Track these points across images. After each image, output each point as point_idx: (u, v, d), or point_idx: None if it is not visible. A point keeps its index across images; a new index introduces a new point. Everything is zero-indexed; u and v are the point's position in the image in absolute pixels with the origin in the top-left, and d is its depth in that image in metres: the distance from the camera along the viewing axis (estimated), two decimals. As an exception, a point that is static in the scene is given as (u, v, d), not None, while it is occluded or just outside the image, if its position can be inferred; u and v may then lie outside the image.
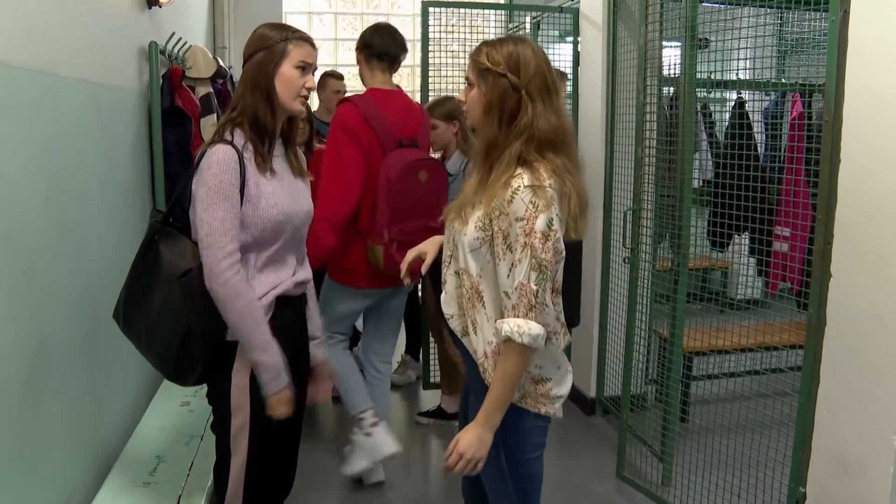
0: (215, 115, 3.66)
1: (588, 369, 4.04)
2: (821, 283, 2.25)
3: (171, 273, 1.92)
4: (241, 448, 1.97)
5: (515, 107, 1.74)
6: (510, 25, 5.02)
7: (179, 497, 2.17)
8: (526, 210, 1.66)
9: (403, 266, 2.04)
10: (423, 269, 2.04)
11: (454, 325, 1.88)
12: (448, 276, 1.88)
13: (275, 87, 1.93)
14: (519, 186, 1.68)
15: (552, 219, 1.67)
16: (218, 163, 1.84)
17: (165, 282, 1.93)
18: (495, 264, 1.74)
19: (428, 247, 2.05)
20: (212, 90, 3.74)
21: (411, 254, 2.05)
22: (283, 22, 1.97)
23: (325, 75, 4.60)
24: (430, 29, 4.07)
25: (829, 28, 2.21)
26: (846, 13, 2.14)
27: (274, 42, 1.94)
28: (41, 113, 2.03)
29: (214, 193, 1.83)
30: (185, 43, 3.62)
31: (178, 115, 3.34)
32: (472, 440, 1.73)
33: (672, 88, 3.45)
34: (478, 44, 1.85)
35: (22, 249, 1.91)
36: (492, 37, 4.64)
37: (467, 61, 1.88)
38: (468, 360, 1.87)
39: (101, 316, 2.24)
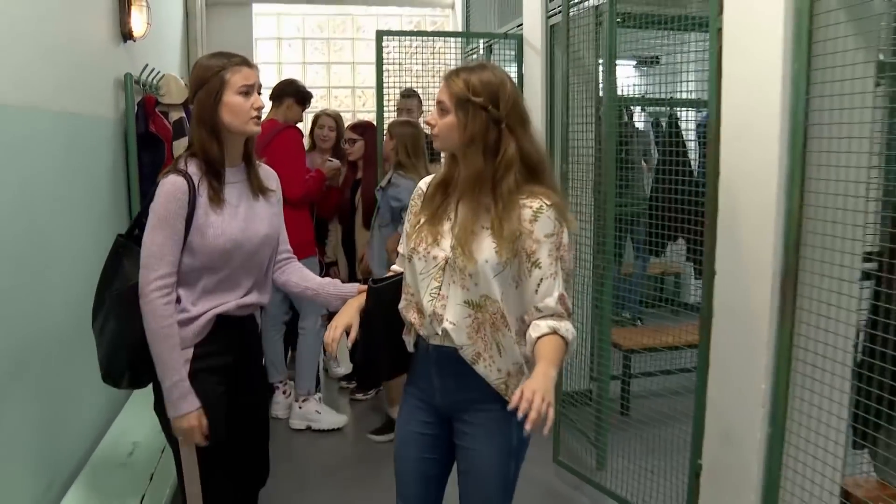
0: (187, 138, 3.97)
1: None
2: (709, 279, 2.59)
3: (120, 284, 2.09)
4: (190, 460, 2.11)
5: (497, 139, 1.80)
6: (468, 48, 5.39)
7: (152, 475, 2.47)
8: (554, 227, 1.77)
9: (334, 345, 1.94)
10: (352, 340, 1.96)
11: (466, 353, 1.86)
12: (450, 309, 1.86)
13: (221, 120, 2.04)
14: (541, 207, 1.77)
15: (573, 235, 1.85)
16: (166, 193, 2.00)
17: (111, 292, 2.10)
18: (518, 284, 1.82)
19: (350, 317, 1.98)
20: (184, 115, 4.04)
21: (337, 330, 1.93)
22: (226, 51, 2.09)
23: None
24: (387, 54, 4.43)
25: (710, 46, 2.55)
26: (719, 30, 2.48)
27: (211, 75, 2.04)
28: (24, 146, 2.31)
29: (158, 220, 1.99)
30: (158, 72, 3.94)
31: (152, 139, 3.64)
32: (545, 381, 1.63)
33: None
34: (449, 68, 1.94)
35: (8, 267, 2.19)
36: (451, 59, 5.06)
37: (438, 83, 1.91)
38: (474, 379, 1.88)
39: (83, 322, 2.53)
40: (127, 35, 3.52)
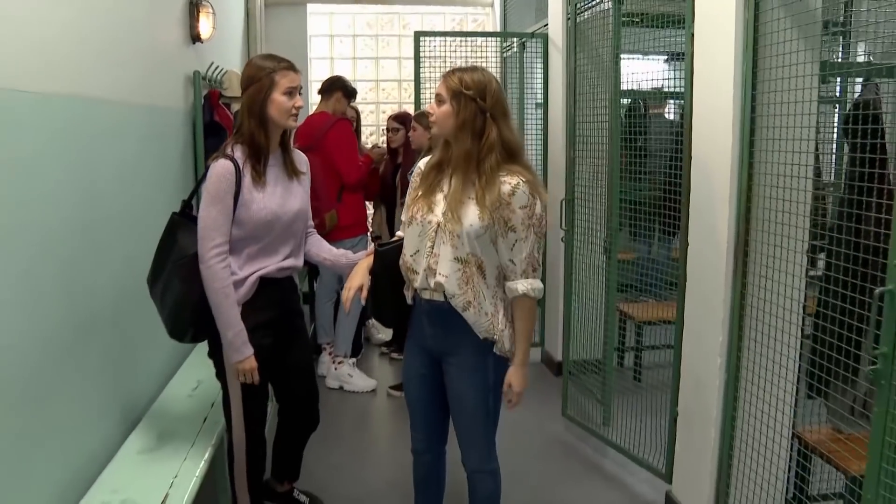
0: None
1: (555, 338, 4.81)
2: (684, 251, 3.00)
3: (179, 255, 2.44)
4: (237, 408, 2.58)
5: (482, 126, 2.20)
6: (505, 45, 5.82)
7: (213, 403, 3.00)
8: (528, 200, 2.17)
9: (349, 303, 2.40)
10: (364, 297, 2.43)
11: (457, 302, 2.26)
12: (442, 264, 2.25)
13: (268, 114, 2.43)
14: (518, 183, 2.17)
15: (544, 205, 2.23)
16: (217, 174, 2.37)
17: (173, 261, 2.46)
18: (495, 245, 2.23)
19: (361, 277, 2.44)
20: (244, 106, 4.58)
21: (351, 291, 2.40)
22: (276, 54, 2.56)
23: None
24: (429, 50, 4.91)
25: (686, 48, 2.95)
26: (692, 35, 2.88)
27: (263, 75, 2.42)
28: (118, 134, 2.84)
29: (211, 198, 2.36)
30: (222, 69, 4.48)
31: (216, 127, 4.18)
32: (521, 379, 2.34)
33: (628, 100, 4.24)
34: (457, 68, 2.27)
35: (102, 232, 2.66)
36: (489, 56, 5.51)
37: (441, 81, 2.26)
38: (457, 328, 2.29)
39: (137, 286, 3.00)
40: (196, 38, 4.05)
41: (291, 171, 2.61)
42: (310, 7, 6.75)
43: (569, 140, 4.05)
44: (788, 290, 2.48)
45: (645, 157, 4.03)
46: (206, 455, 2.58)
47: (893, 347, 1.79)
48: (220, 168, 2.40)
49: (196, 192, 2.65)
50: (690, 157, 2.92)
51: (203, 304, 2.45)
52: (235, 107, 4.49)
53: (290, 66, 2.51)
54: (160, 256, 2.54)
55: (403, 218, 2.40)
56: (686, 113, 2.95)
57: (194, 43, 4.08)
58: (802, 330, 2.58)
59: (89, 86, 2.53)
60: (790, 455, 2.70)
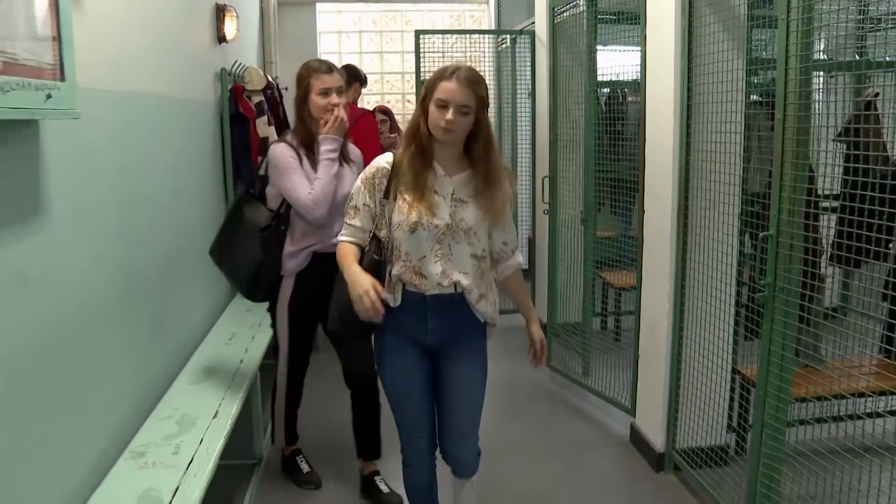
0: (265, 116, 5.06)
1: (543, 302, 5.37)
2: (642, 217, 3.55)
3: (252, 227, 2.83)
4: (284, 356, 3.14)
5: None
6: (498, 40, 6.36)
7: (247, 349, 3.57)
8: (511, 189, 2.38)
9: (377, 304, 2.18)
10: (383, 295, 2.24)
11: (473, 296, 2.35)
12: (460, 263, 2.31)
13: (308, 111, 2.90)
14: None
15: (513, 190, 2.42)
16: (280, 153, 2.86)
17: (247, 233, 2.84)
18: (491, 231, 2.39)
19: (370, 280, 2.21)
20: (263, 98, 5.14)
21: (371, 293, 2.17)
22: (321, 59, 3.05)
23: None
24: (430, 45, 5.46)
25: (641, 48, 3.49)
26: (645, 37, 3.43)
27: (302, 79, 2.91)
28: (158, 122, 3.34)
29: (285, 168, 2.81)
30: (243, 65, 5.04)
31: (240, 117, 4.73)
32: (540, 331, 2.52)
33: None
34: (473, 75, 2.22)
35: (146, 207, 3.21)
36: (484, 50, 6.05)
37: (469, 91, 2.18)
38: (462, 316, 2.38)
39: (189, 253, 3.57)
40: (221, 38, 4.61)
41: (342, 158, 2.98)
42: (318, 6, 7.32)
43: (551, 125, 4.60)
44: (723, 247, 3.00)
45: (623, 141, 4.56)
46: (245, 386, 3.14)
47: (774, 279, 2.35)
48: (281, 148, 2.88)
49: (258, 176, 3.12)
50: (644, 139, 3.46)
51: (275, 269, 2.97)
52: (256, 98, 5.05)
53: (327, 70, 2.93)
54: (228, 229, 2.99)
55: (397, 221, 2.30)
56: (642, 101, 3.50)
57: (220, 43, 4.63)
58: (738, 280, 3.12)
59: (147, 84, 3.08)
60: (732, 388, 3.24)
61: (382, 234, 2.34)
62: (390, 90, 7.75)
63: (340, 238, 2.38)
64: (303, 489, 3.35)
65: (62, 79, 1.92)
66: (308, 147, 2.92)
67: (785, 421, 2.52)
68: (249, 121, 4.80)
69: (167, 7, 3.47)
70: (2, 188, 1.83)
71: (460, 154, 2.33)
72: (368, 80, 5.77)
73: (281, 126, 5.52)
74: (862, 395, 2.53)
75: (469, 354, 2.45)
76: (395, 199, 2.31)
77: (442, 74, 2.23)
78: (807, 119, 2.31)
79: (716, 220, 3.00)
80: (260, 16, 6.57)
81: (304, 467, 3.41)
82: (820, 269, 2.77)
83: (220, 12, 4.56)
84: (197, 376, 3.26)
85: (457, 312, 2.37)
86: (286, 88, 6.17)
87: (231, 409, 2.90)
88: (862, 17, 3.34)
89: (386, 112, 5.75)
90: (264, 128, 5.02)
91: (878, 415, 2.77)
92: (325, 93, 2.87)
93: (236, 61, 4.88)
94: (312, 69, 2.92)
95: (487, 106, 2.27)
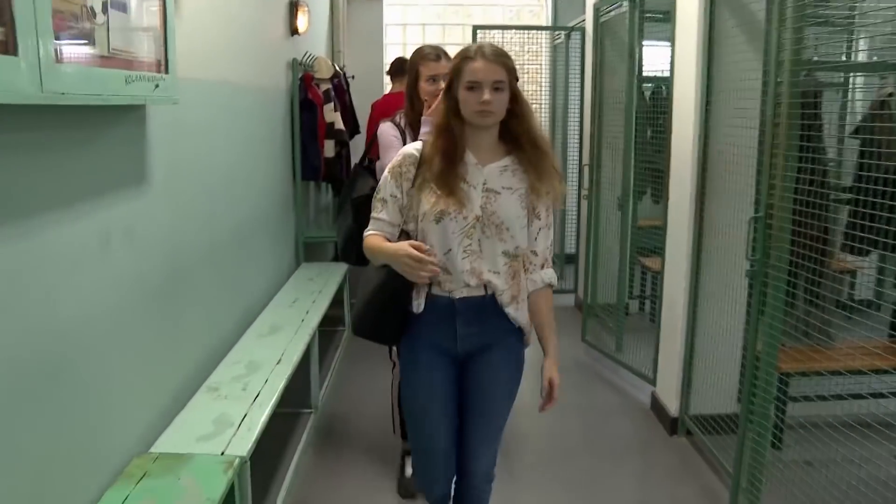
0: (332, 103, 5.53)
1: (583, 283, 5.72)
2: (666, 204, 3.88)
3: (356, 195, 2.88)
4: None
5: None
6: (554, 35, 6.70)
7: (308, 311, 4.03)
8: (560, 188, 2.17)
9: (428, 259, 2.03)
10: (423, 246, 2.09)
11: (504, 298, 2.15)
12: (489, 260, 2.11)
13: (418, 95, 2.88)
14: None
15: (561, 195, 2.21)
16: (384, 131, 2.93)
17: (351, 200, 2.91)
18: (526, 229, 2.16)
19: (406, 243, 2.08)
20: (331, 86, 5.60)
21: (414, 251, 2.03)
22: (435, 46, 3.04)
23: None
24: (490, 38, 5.84)
25: (671, 49, 3.81)
26: (674, 40, 3.74)
27: (413, 67, 2.90)
28: (237, 107, 3.81)
29: (386, 146, 2.88)
30: (313, 55, 5.50)
31: (310, 104, 5.20)
32: (556, 372, 2.19)
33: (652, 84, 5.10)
34: (497, 49, 2.08)
35: (224, 182, 3.70)
36: (542, 45, 6.39)
37: (498, 66, 2.03)
38: (495, 320, 2.18)
39: (259, 225, 4.04)
40: (294, 31, 5.08)
41: None
42: (385, 0, 7.75)
43: (593, 117, 4.95)
44: (736, 231, 3.30)
45: (665, 134, 4.86)
46: (306, 340, 3.60)
47: (762, 256, 2.68)
48: (386, 127, 2.98)
49: (368, 150, 3.39)
50: (671, 131, 3.79)
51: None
52: (324, 86, 5.51)
53: (433, 57, 2.90)
54: (343, 196, 3.07)
55: (424, 211, 2.12)
56: (670, 98, 3.82)
57: (292, 35, 5.10)
58: (752, 263, 3.42)
59: (229, 73, 3.56)
60: (743, 362, 3.56)
61: (410, 227, 2.17)
62: (451, 81, 8.17)
63: (367, 233, 2.21)
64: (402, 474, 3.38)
65: (166, 72, 2.38)
66: (414, 127, 2.93)
67: (772, 391, 2.85)
68: (318, 107, 5.26)
69: (247, 4, 3.94)
70: (118, 160, 2.30)
71: (496, 140, 2.14)
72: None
73: (346, 112, 5.98)
74: (860, 373, 2.84)
75: (503, 363, 2.25)
76: (421, 189, 2.12)
77: (465, 55, 2.07)
78: (797, 115, 2.61)
79: (730, 205, 3.31)
80: (330, 8, 7.04)
81: (408, 471, 3.34)
82: (828, 256, 3.07)
83: (293, 7, 5.03)
84: (263, 331, 3.73)
85: (489, 317, 2.17)
86: (353, 77, 6.63)
87: (293, 357, 3.35)
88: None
89: None
90: (331, 114, 5.48)
91: (881, 395, 3.06)
92: (433, 79, 2.85)
93: (307, 52, 5.34)
94: (422, 55, 2.93)
95: (518, 79, 2.10)
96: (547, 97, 6.85)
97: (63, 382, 1.95)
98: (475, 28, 5.79)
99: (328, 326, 3.75)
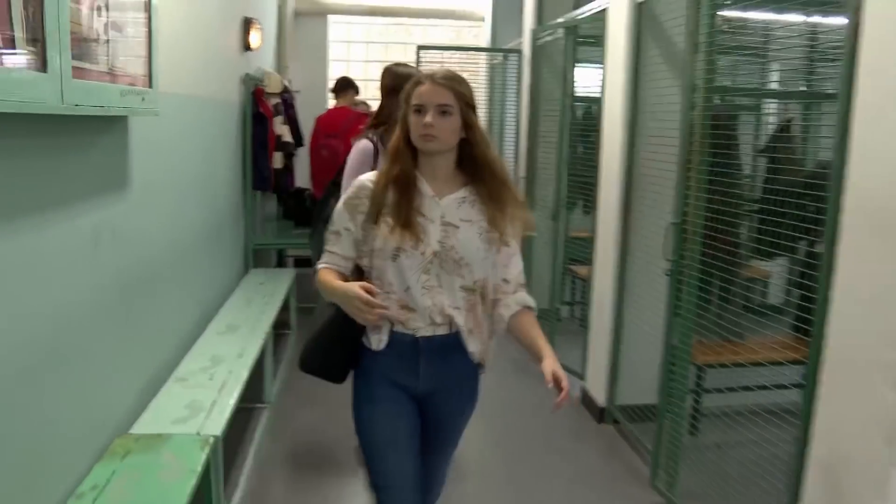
0: (281, 116, 5.79)
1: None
2: (595, 212, 4.26)
3: (327, 214, 2.91)
4: None
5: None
6: (493, 62, 7.09)
7: (253, 330, 4.27)
8: (525, 214, 2.11)
9: (378, 309, 1.94)
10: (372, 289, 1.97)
11: (463, 332, 2.05)
12: (450, 296, 2.01)
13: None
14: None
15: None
16: (356, 151, 2.94)
17: (323, 219, 2.88)
18: (487, 261, 2.06)
19: (357, 285, 1.96)
20: (280, 100, 5.85)
21: (364, 294, 1.91)
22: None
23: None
24: (427, 60, 6.17)
25: (603, 69, 4.21)
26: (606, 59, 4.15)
27: (408, 95, 2.85)
28: (199, 119, 4.06)
29: (349, 169, 2.90)
30: (264, 71, 5.75)
31: (260, 117, 5.44)
32: (559, 366, 1.97)
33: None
34: (450, 73, 2.00)
35: (189, 187, 3.94)
36: (479, 64, 6.76)
37: (445, 89, 1.95)
38: (456, 359, 2.08)
39: (216, 229, 4.29)
40: (247, 47, 5.32)
41: None
42: (330, 17, 8.04)
43: (529, 133, 5.33)
44: (658, 236, 3.67)
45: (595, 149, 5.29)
46: (262, 337, 3.84)
47: (678, 257, 3.06)
48: (361, 145, 2.99)
49: (273, 170, 3.74)
50: (600, 147, 4.18)
51: None
52: (273, 100, 5.75)
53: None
54: (316, 213, 3.18)
55: (379, 247, 2.01)
56: (599, 114, 4.21)
57: (245, 51, 5.34)
58: (671, 271, 3.82)
59: (193, 87, 3.79)
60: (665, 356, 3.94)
61: (365, 262, 2.07)
62: (393, 96, 8.50)
63: (319, 265, 2.12)
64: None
65: (150, 86, 2.63)
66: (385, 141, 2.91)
67: (686, 380, 3.23)
68: (268, 120, 5.51)
69: (209, 22, 4.18)
70: (105, 166, 2.53)
71: (452, 171, 2.06)
72: (371, 87, 6.51)
73: (292, 126, 6.24)
74: (761, 365, 3.23)
75: (460, 401, 2.21)
76: (375, 222, 2.01)
77: (417, 80, 2.02)
78: (709, 135, 3.01)
79: (653, 214, 3.70)
80: (277, 24, 7.28)
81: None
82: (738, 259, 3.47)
83: (247, 24, 5.27)
84: (221, 329, 3.96)
85: (452, 356, 2.09)
86: (298, 91, 6.89)
87: (252, 352, 3.60)
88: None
89: None
90: (280, 127, 5.75)
91: (784, 386, 3.47)
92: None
93: (258, 67, 5.58)
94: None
95: (474, 108, 2.02)
96: (485, 114, 7.22)
97: (53, 367, 2.16)
98: (419, 48, 6.12)
99: (276, 330, 3.98)
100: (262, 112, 5.47)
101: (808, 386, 2.36)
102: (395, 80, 2.99)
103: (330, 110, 6.08)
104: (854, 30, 2.13)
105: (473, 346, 2.10)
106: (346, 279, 2.05)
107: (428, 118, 1.94)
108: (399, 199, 1.99)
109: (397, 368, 2.08)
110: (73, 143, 2.24)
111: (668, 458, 3.32)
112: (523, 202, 2.14)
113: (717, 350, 3.54)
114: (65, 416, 2.23)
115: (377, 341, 2.07)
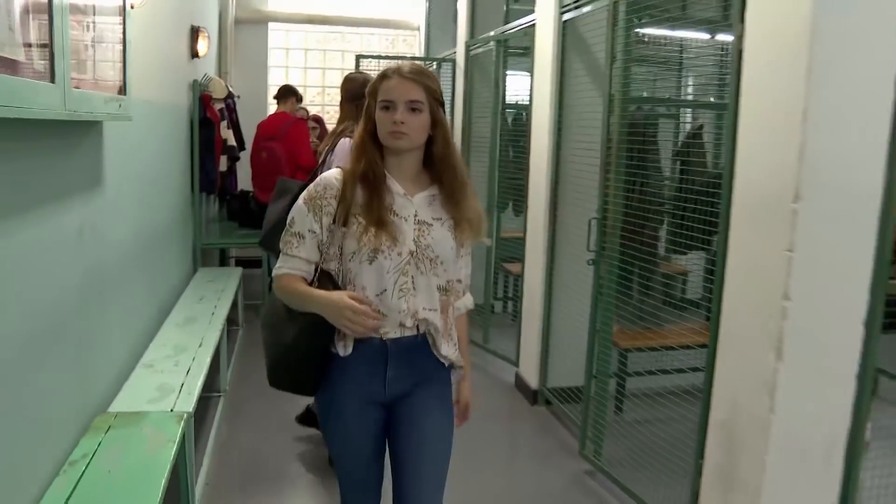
0: (226, 121, 6.02)
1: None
2: (525, 211, 4.65)
3: None
4: None
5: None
6: (427, 64, 7.42)
7: (209, 322, 4.52)
8: (480, 210, 2.04)
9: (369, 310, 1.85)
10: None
11: (439, 336, 1.99)
12: (425, 298, 1.94)
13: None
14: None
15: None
16: (345, 148, 3.12)
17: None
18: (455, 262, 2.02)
19: (344, 293, 1.88)
20: (224, 106, 6.09)
21: (356, 303, 1.83)
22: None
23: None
24: (366, 65, 6.47)
25: (530, 79, 4.60)
26: (532, 71, 4.55)
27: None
28: (157, 123, 4.30)
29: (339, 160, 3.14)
30: (209, 77, 5.98)
31: (208, 122, 5.67)
32: (470, 393, 2.17)
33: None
34: (418, 68, 1.93)
35: (153, 186, 4.17)
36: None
37: (415, 85, 1.89)
38: (425, 360, 2.01)
39: (170, 225, 4.52)
40: (195, 54, 5.55)
41: None
42: (270, 25, 8.28)
43: (463, 138, 5.71)
44: (583, 231, 4.07)
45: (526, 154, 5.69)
46: (219, 328, 4.10)
47: (599, 248, 3.46)
48: (348, 144, 3.10)
49: (219, 173, 4.06)
50: (529, 151, 4.57)
51: None
52: (218, 105, 5.98)
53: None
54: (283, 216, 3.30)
55: (352, 250, 1.91)
56: (528, 120, 4.60)
57: (193, 58, 5.57)
58: (593, 261, 4.22)
59: (152, 93, 4.03)
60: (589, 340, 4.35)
61: (332, 266, 1.95)
62: (330, 102, 8.75)
63: (279, 272, 1.98)
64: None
65: (125, 93, 2.88)
66: None
67: (609, 361, 3.63)
68: (215, 125, 5.74)
69: (163, 31, 4.43)
70: (83, 167, 2.78)
71: (419, 169, 1.99)
72: (309, 92, 6.80)
73: (235, 131, 6.48)
74: (672, 348, 3.66)
75: (434, 402, 2.07)
76: (344, 223, 1.91)
77: (383, 74, 1.94)
78: (625, 140, 3.42)
79: (578, 211, 4.10)
80: (219, 32, 7.49)
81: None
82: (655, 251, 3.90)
83: (195, 32, 5.49)
84: (179, 321, 4.20)
85: (419, 358, 2.01)
86: (238, 97, 7.12)
87: (212, 340, 3.86)
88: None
89: (318, 120, 6.81)
90: (225, 131, 5.99)
91: (698, 369, 3.90)
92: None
93: (205, 73, 5.81)
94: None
95: (442, 104, 1.96)
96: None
97: (47, 351, 2.40)
98: (358, 56, 6.42)
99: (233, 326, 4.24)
100: (210, 117, 5.70)
101: (709, 358, 2.77)
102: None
103: (270, 116, 6.36)
104: (738, 48, 2.55)
105: (446, 349, 2.03)
106: (310, 285, 1.95)
107: (398, 115, 1.87)
108: (370, 198, 1.90)
109: (363, 375, 1.98)
110: (63, 145, 2.48)
111: (594, 431, 3.71)
112: (480, 206, 2.06)
113: (637, 336, 3.96)
114: (56, 395, 2.47)
115: (342, 347, 1.96)
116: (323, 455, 3.75)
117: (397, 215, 1.93)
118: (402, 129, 1.88)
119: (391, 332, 1.95)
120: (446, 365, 2.07)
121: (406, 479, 2.05)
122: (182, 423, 2.81)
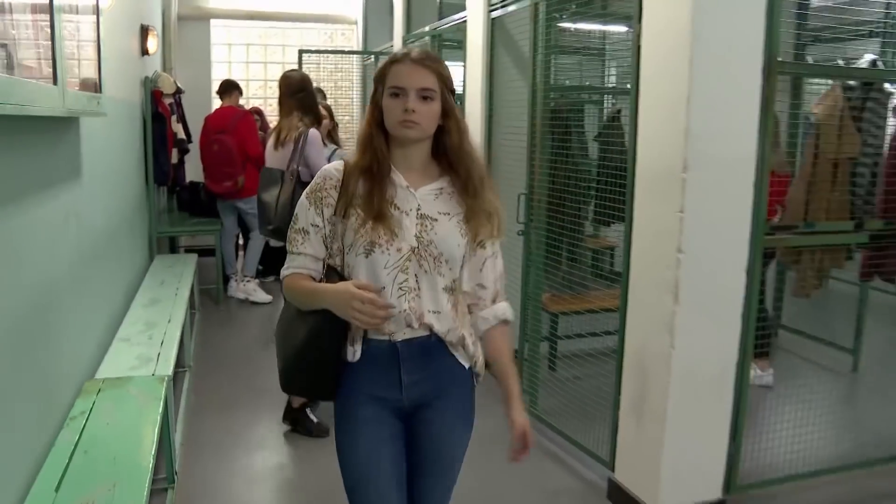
0: (175, 115, 6.31)
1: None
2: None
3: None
4: None
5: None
6: (365, 62, 7.80)
7: (174, 302, 4.85)
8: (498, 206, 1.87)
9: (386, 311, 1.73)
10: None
11: (452, 337, 1.84)
12: (430, 298, 1.81)
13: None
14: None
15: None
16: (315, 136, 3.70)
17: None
18: (464, 263, 1.85)
19: (351, 283, 1.76)
20: (174, 101, 6.36)
21: (368, 295, 1.71)
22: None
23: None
24: (306, 60, 6.83)
25: (463, 74, 5.04)
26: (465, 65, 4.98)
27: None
28: (119, 118, 4.56)
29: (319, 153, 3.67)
30: (158, 73, 6.24)
31: (159, 116, 5.94)
32: (526, 418, 1.92)
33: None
34: (429, 53, 1.83)
35: (118, 175, 4.47)
36: (353, 64, 7.47)
37: (427, 71, 1.76)
38: (443, 364, 1.87)
39: (131, 216, 4.83)
40: (145, 52, 5.82)
41: None
42: (212, 21, 8.54)
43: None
44: (513, 207, 4.52)
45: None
46: (184, 307, 4.44)
47: (527, 220, 3.92)
48: (313, 133, 3.69)
49: (171, 165, 4.40)
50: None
51: None
52: (168, 101, 6.26)
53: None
54: (291, 203, 3.33)
55: (350, 242, 1.82)
56: (462, 108, 5.03)
57: (143, 56, 5.84)
58: (522, 231, 4.68)
59: (114, 90, 4.31)
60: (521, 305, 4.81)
61: (337, 261, 1.86)
62: (272, 95, 9.05)
63: (286, 272, 1.89)
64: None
65: (101, 91, 3.21)
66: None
67: (540, 323, 4.10)
68: (167, 119, 6.02)
69: (120, 30, 4.72)
70: (65, 158, 3.10)
71: (427, 159, 1.86)
72: (252, 85, 7.12)
73: (184, 124, 6.77)
74: (594, 311, 4.14)
75: (455, 413, 1.95)
76: (345, 215, 1.82)
77: (392, 59, 1.82)
78: (548, 124, 3.88)
79: (510, 188, 4.53)
80: (162, 29, 7.71)
81: (314, 418, 3.99)
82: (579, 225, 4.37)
83: (144, 31, 5.77)
84: (145, 302, 4.53)
85: (436, 360, 1.87)
86: (183, 92, 7.39)
87: (179, 317, 4.20)
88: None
89: (258, 112, 7.13)
90: (175, 125, 6.27)
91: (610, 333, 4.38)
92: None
93: (155, 70, 6.08)
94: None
95: (454, 92, 1.84)
96: (358, 111, 7.94)
97: (36, 324, 2.75)
98: (300, 51, 6.76)
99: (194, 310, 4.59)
100: (161, 112, 5.98)
101: (622, 305, 3.25)
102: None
103: (217, 109, 6.67)
104: (637, 43, 3.02)
105: (466, 352, 1.89)
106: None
107: (411, 104, 1.74)
108: (370, 190, 1.80)
109: (378, 381, 1.85)
110: (51, 140, 2.81)
111: (529, 385, 4.17)
112: (498, 201, 1.91)
113: (566, 300, 4.43)
114: (53, 362, 2.79)
115: (352, 352, 1.85)
116: (280, 416, 4.12)
117: (398, 209, 1.81)
118: (413, 119, 1.75)
119: (399, 334, 1.82)
120: (467, 367, 1.92)
121: (416, 488, 1.97)
122: (164, 384, 3.17)
